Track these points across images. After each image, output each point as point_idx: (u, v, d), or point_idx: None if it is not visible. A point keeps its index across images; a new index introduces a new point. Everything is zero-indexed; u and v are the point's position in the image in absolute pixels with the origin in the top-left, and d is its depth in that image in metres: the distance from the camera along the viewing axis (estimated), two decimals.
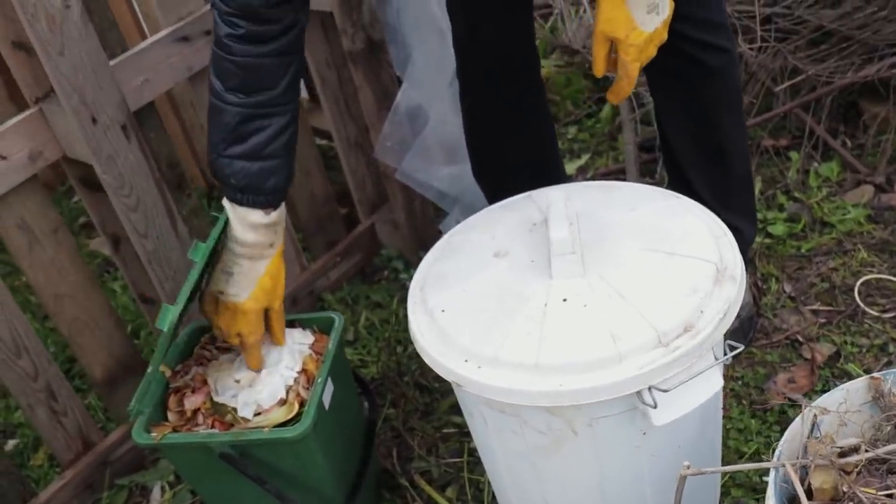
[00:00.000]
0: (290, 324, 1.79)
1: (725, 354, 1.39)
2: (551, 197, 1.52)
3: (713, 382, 1.37)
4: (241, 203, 1.53)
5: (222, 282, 1.59)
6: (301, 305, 2.41)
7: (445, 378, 1.42)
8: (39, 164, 1.79)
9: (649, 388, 1.31)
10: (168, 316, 1.51)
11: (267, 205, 1.54)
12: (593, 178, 2.66)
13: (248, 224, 1.54)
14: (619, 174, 2.63)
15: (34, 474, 2.17)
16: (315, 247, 2.48)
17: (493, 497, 1.82)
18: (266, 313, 1.64)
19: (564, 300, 1.40)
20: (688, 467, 1.24)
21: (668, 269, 1.43)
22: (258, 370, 1.65)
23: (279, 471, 1.65)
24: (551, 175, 2.07)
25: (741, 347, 1.38)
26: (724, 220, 1.54)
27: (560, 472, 1.48)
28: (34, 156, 1.77)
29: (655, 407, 1.31)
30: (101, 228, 1.96)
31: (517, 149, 2.00)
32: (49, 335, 2.50)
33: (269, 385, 1.64)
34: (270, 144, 1.51)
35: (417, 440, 2.04)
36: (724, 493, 1.78)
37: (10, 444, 2.26)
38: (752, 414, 1.93)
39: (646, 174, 2.58)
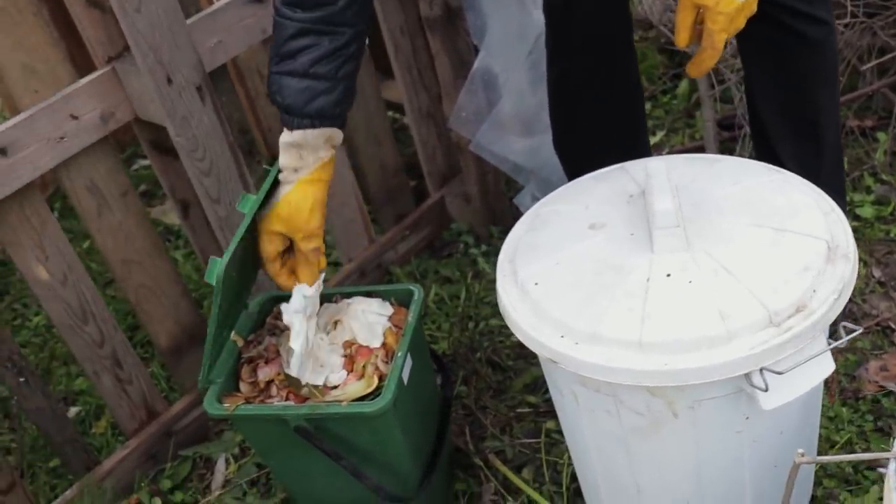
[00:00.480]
0: (369, 294, 1.74)
1: (839, 337, 1.30)
2: (651, 167, 1.43)
3: (825, 366, 1.29)
4: (289, 126, 1.47)
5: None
6: (369, 278, 2.35)
7: (539, 354, 1.35)
8: (111, 125, 1.74)
9: (761, 370, 1.23)
10: (215, 268, 1.45)
11: (305, 126, 1.47)
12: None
13: (281, 143, 1.49)
14: (695, 152, 2.54)
15: (96, 442, 2.14)
16: (384, 219, 2.42)
17: (573, 479, 1.75)
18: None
19: (668, 275, 1.32)
20: (802, 454, 1.16)
21: (777, 245, 1.34)
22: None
23: (355, 447, 1.59)
24: (638, 152, 1.98)
25: (858, 329, 1.29)
26: None
27: (656, 455, 1.41)
28: (106, 116, 1.73)
29: (766, 390, 1.23)
30: (170, 194, 1.91)
31: (605, 123, 1.91)
32: (110, 303, 2.46)
33: (328, 359, 1.59)
34: (319, 63, 1.43)
35: (490, 419, 1.97)
36: (816, 482, 1.70)
37: (73, 411, 2.23)
38: (842, 402, 1.84)
39: (725, 152, 2.48)
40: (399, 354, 1.58)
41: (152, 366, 2.28)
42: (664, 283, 1.32)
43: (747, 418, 1.34)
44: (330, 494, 1.72)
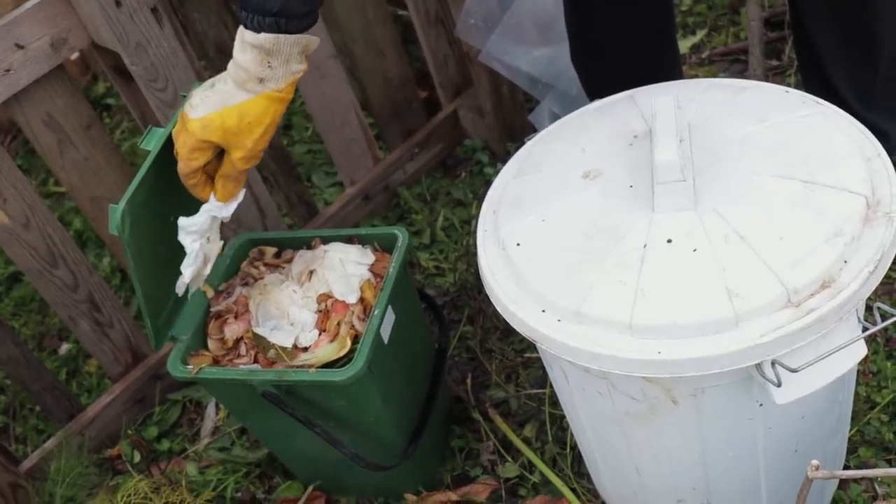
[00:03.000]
0: (348, 240, 1.56)
1: (874, 319, 1.09)
2: (658, 105, 1.21)
3: (854, 353, 1.08)
4: (244, 23, 1.23)
5: (200, 89, 1.31)
6: (374, 202, 2.17)
7: (518, 331, 1.17)
8: (64, 52, 1.56)
9: (772, 363, 1.03)
10: (114, 216, 1.27)
11: (272, 28, 1.22)
12: (709, 59, 2.30)
13: (242, 41, 1.24)
14: (739, 54, 2.27)
15: (87, 382, 2.04)
16: (390, 136, 2.22)
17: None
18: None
19: (669, 241, 1.12)
20: (816, 468, 0.98)
21: (804, 202, 1.12)
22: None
23: (329, 412, 1.45)
24: (665, 65, 1.74)
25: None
26: (866, 120, 1.22)
27: (655, 442, 1.23)
28: (57, 44, 1.54)
29: (779, 385, 1.04)
30: (140, 122, 1.74)
31: (628, 32, 1.67)
32: None
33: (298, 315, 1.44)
34: None
35: (496, 364, 1.81)
36: (851, 450, 1.51)
37: (64, 347, 2.13)
38: (887, 355, 1.63)
39: (771, 55, 2.21)
40: (376, 312, 1.41)
41: None
42: (664, 250, 1.11)
43: (760, 405, 1.15)
44: (311, 453, 1.59)
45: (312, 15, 1.24)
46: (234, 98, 1.28)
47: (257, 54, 1.24)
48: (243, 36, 1.24)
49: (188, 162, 1.32)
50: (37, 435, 1.95)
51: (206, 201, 1.38)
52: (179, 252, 1.43)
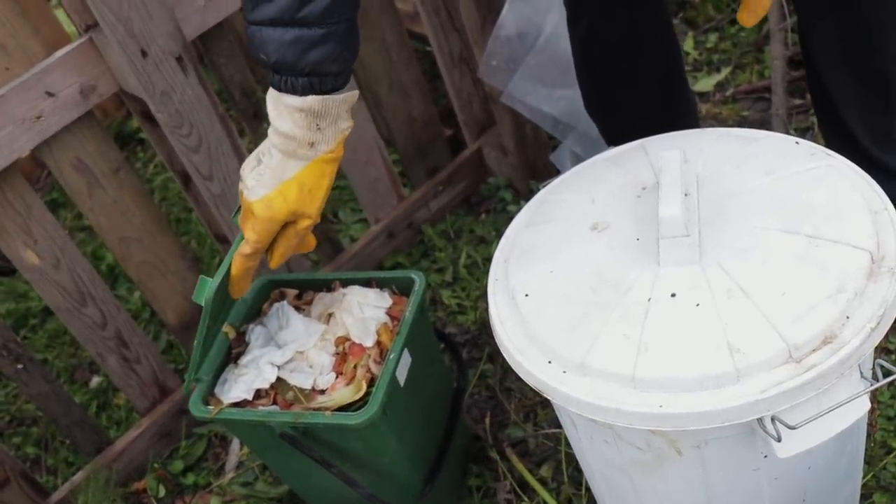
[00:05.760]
0: (367, 283, 1.59)
1: (875, 375, 1.10)
2: (665, 160, 1.23)
3: (856, 408, 1.09)
4: (277, 87, 1.20)
5: (248, 167, 1.29)
6: (398, 239, 2.20)
7: (524, 380, 1.19)
8: (93, 99, 1.62)
9: (772, 419, 1.04)
10: (204, 289, 1.32)
11: (306, 89, 1.19)
12: (734, 96, 2.31)
13: (283, 106, 1.21)
14: (763, 92, 2.28)
15: (116, 415, 2.09)
16: (415, 174, 2.25)
17: None
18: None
19: (673, 295, 1.13)
20: None
21: (807, 258, 1.13)
22: (234, 299, 1.44)
23: (346, 453, 1.48)
24: (680, 110, 1.76)
25: None
26: (883, 164, 1.22)
27: (661, 489, 1.25)
28: (86, 90, 1.60)
29: (779, 440, 1.05)
30: (168, 165, 1.79)
31: (637, 83, 1.69)
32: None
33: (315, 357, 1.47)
34: (307, 6, 1.13)
35: (514, 403, 1.83)
36: (866, 496, 1.51)
37: (95, 380, 2.18)
38: None
39: (795, 94, 2.21)
40: (391, 356, 1.44)
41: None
42: (667, 304, 1.13)
43: (765, 456, 1.16)
44: (330, 492, 1.62)
45: (347, 73, 1.23)
46: (288, 171, 1.25)
47: (303, 118, 1.21)
48: (282, 100, 1.20)
49: (258, 245, 1.32)
50: (67, 467, 2.00)
51: (235, 297, 1.41)
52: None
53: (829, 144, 1.68)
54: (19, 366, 1.73)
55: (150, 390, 1.91)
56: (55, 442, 2.08)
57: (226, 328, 1.57)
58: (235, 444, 1.93)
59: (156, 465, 1.89)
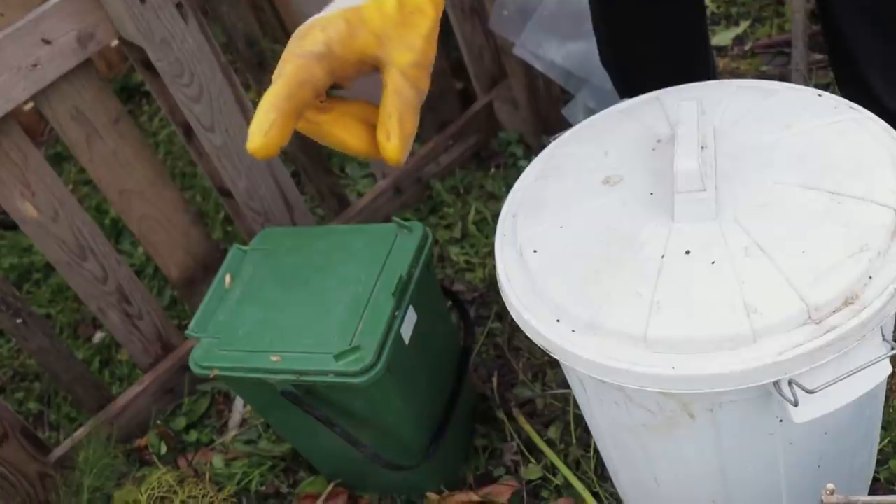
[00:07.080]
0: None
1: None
2: (682, 110, 1.17)
3: (878, 372, 1.05)
4: None
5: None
6: (407, 194, 2.16)
7: (532, 340, 1.15)
8: (91, 47, 1.57)
9: (789, 382, 1.00)
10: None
11: None
12: (752, 51, 2.25)
13: None
14: (783, 46, 2.21)
15: (119, 371, 2.06)
16: (424, 128, 2.19)
17: None
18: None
19: (687, 252, 1.09)
20: (832, 492, 0.95)
21: (829, 214, 1.08)
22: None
23: (349, 411, 1.44)
24: (697, 65, 1.70)
25: None
26: None
27: (672, 453, 1.21)
28: (84, 38, 1.55)
29: (796, 404, 1.00)
30: (170, 116, 1.74)
31: (657, 33, 1.62)
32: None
33: None
34: None
35: (523, 363, 1.79)
36: (882, 461, 1.47)
37: (98, 336, 2.15)
38: None
39: (815, 48, 2.14)
40: (396, 313, 1.40)
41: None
42: (682, 262, 1.08)
43: (781, 421, 1.12)
44: (333, 451, 1.59)
45: None
46: None
47: None
48: None
49: (302, 78, 0.82)
50: (69, 423, 1.98)
51: (354, 147, 0.91)
52: None
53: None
54: (18, 320, 1.70)
55: (152, 346, 1.88)
56: (58, 398, 2.06)
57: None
58: (239, 401, 1.91)
59: (158, 422, 1.87)
